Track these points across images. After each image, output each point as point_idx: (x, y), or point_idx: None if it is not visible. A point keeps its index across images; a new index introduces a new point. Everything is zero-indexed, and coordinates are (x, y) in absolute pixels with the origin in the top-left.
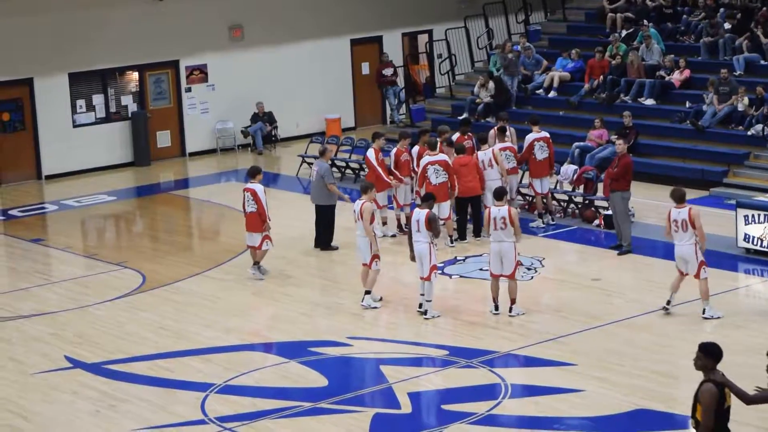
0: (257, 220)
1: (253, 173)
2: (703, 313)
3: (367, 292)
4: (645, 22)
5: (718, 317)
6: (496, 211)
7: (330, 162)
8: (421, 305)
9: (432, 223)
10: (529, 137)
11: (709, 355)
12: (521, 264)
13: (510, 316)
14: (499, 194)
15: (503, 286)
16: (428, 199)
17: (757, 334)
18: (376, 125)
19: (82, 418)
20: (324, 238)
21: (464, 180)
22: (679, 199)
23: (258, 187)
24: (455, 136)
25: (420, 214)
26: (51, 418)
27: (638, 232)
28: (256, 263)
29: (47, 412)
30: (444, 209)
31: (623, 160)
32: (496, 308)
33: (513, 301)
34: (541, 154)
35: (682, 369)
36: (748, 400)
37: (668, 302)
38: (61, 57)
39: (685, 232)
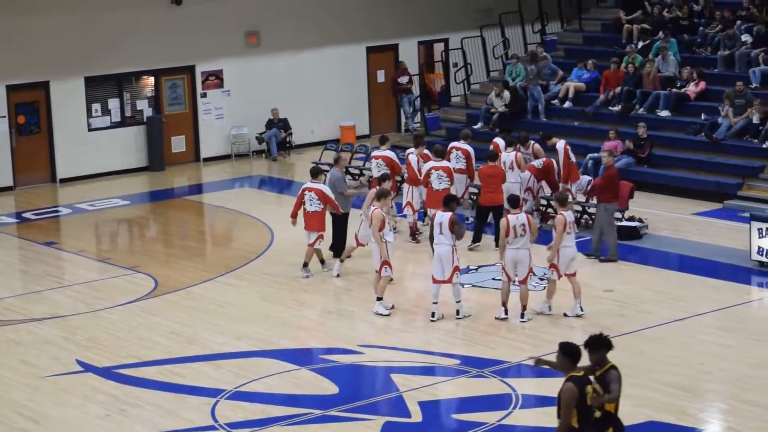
0: (320, 220)
1: (315, 173)
2: (581, 311)
3: (379, 299)
4: (660, 33)
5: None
6: (515, 218)
7: (344, 170)
8: (433, 314)
9: (455, 226)
10: (560, 144)
11: (565, 354)
12: (534, 273)
13: (521, 321)
14: (515, 201)
15: (514, 294)
16: (450, 202)
17: None
18: (390, 133)
19: (92, 422)
20: (337, 245)
21: (487, 190)
22: (564, 201)
23: (324, 187)
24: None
25: (443, 216)
26: (62, 422)
27: (652, 244)
28: (305, 264)
29: (58, 416)
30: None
31: (608, 172)
32: (506, 312)
33: (524, 308)
34: (574, 158)
35: (694, 381)
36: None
37: (549, 307)
38: (77, 61)
39: (574, 233)
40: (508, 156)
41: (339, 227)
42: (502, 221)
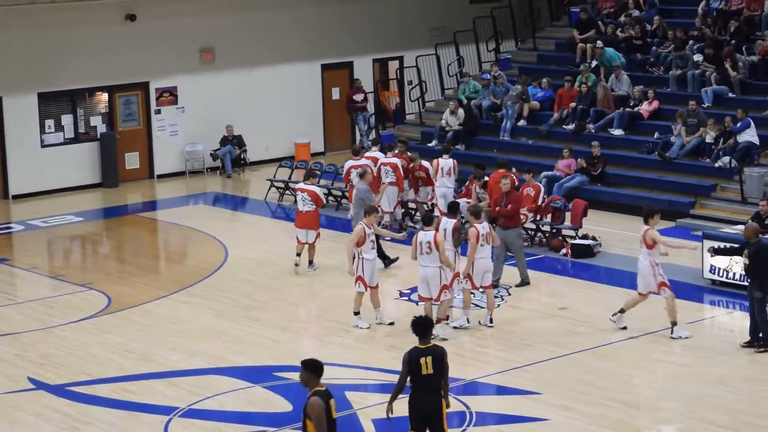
0: (314, 218)
1: (308, 175)
2: (491, 323)
3: (356, 314)
4: (599, 43)
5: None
6: (423, 235)
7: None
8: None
9: (455, 233)
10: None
11: (308, 369)
12: (447, 288)
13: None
14: (429, 220)
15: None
16: (454, 210)
17: (722, 366)
18: (345, 150)
19: None
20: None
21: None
22: (478, 214)
23: (316, 188)
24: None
25: (448, 223)
26: None
27: (605, 262)
28: (311, 261)
29: None
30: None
31: (512, 196)
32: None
33: (438, 321)
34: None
35: (647, 398)
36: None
37: (467, 320)
38: (30, 76)
39: (489, 245)
40: (445, 162)
41: None
42: (414, 237)
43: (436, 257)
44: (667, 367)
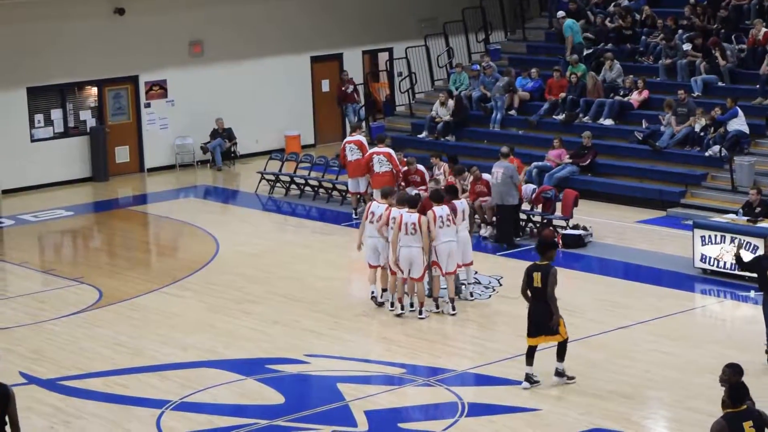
0: (390, 179)
1: (381, 139)
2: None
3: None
4: (560, 13)
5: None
6: (408, 216)
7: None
8: (471, 293)
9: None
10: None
11: None
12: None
13: (420, 318)
14: (414, 202)
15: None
16: (455, 193)
17: (712, 355)
18: (335, 143)
19: None
20: (511, 235)
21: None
22: (413, 203)
23: (391, 150)
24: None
25: (463, 204)
26: None
27: (596, 252)
28: None
29: None
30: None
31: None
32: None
33: (421, 305)
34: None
35: (638, 388)
36: None
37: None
38: (19, 71)
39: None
40: None
41: (510, 219)
42: (398, 217)
43: (419, 238)
44: (657, 356)
